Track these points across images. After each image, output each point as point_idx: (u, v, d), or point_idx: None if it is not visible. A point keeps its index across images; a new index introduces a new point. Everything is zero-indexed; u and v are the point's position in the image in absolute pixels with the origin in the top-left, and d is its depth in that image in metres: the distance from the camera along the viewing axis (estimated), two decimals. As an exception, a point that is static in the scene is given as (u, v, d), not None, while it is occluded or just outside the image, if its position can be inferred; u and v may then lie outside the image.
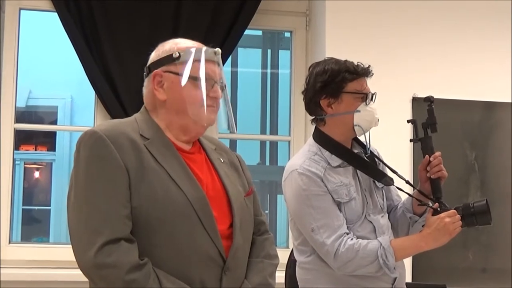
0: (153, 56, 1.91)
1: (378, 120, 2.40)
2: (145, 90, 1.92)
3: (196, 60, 1.84)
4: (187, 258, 1.74)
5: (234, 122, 1.96)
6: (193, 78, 1.83)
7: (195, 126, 1.88)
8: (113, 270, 1.64)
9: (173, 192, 1.75)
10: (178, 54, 1.84)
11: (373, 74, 2.42)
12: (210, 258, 1.77)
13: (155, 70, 1.87)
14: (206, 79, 1.85)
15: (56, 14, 3.66)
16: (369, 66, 2.41)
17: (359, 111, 2.36)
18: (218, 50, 1.90)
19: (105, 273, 1.64)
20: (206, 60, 1.86)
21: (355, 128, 2.38)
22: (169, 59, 1.86)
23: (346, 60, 2.41)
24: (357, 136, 2.45)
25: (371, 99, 2.39)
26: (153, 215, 1.72)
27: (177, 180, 1.77)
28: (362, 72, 2.39)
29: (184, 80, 1.82)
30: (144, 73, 1.93)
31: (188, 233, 1.74)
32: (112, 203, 1.69)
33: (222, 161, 1.98)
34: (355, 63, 2.40)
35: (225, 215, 1.85)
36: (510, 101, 3.86)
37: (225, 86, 1.92)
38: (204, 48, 1.88)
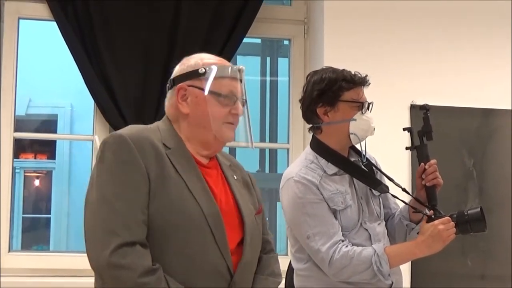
0: (178, 70, 1.94)
1: (374, 129, 2.41)
2: (167, 102, 1.95)
3: (221, 77, 1.88)
4: (196, 269, 1.77)
5: (251, 138, 1.99)
6: (217, 94, 1.87)
7: (215, 142, 1.91)
8: (127, 272, 1.67)
9: (190, 204, 1.78)
10: (204, 70, 1.87)
11: (370, 83, 2.44)
12: (218, 271, 1.80)
13: (180, 84, 1.89)
14: (229, 96, 1.88)
15: (55, 23, 3.68)
16: (366, 75, 2.43)
17: (355, 119, 2.38)
18: (243, 67, 1.93)
19: (119, 273, 1.67)
20: (231, 77, 1.90)
21: (351, 136, 2.39)
22: (194, 74, 1.88)
23: (343, 69, 2.43)
24: (353, 145, 2.46)
25: (368, 108, 2.41)
26: (168, 224, 1.75)
27: (194, 193, 1.80)
28: (359, 81, 2.40)
29: (207, 95, 1.85)
30: (168, 85, 1.95)
31: (199, 245, 1.77)
32: (132, 207, 1.72)
33: (236, 178, 2.01)
34: (353, 72, 2.42)
35: (236, 231, 1.88)
36: (508, 108, 3.86)
37: (246, 101, 1.95)
38: (230, 65, 1.92)
